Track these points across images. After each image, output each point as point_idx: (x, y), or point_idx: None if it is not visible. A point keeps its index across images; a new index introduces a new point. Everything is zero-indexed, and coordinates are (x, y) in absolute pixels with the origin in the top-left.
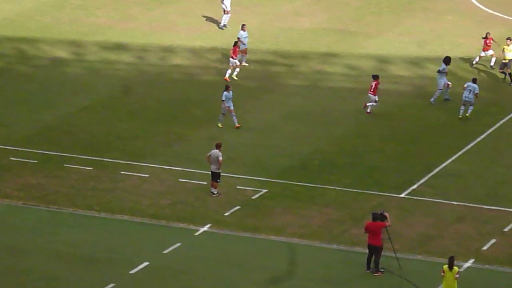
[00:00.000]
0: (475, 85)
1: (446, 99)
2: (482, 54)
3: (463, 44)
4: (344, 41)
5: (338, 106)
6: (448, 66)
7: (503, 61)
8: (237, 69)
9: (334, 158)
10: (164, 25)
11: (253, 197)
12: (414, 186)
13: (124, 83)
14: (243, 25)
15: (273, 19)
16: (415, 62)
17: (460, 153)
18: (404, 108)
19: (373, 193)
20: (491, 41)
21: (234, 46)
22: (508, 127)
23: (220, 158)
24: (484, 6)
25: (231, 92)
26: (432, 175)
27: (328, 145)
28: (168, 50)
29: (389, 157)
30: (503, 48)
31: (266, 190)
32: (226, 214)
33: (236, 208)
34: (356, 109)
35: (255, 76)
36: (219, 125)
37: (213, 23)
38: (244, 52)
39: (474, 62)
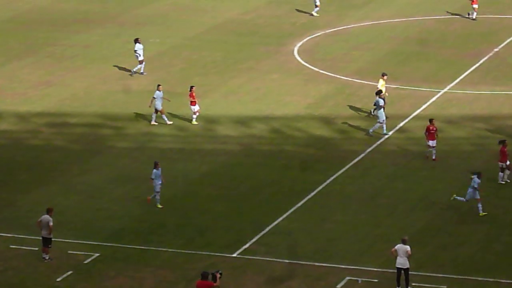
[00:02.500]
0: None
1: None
2: None
3: (290, 102)
4: (171, 102)
5: (167, 167)
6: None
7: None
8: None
9: (165, 219)
10: None
11: (85, 262)
12: (246, 245)
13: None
14: (159, 85)
15: (99, 82)
16: (243, 121)
17: (290, 211)
18: (233, 168)
19: (205, 254)
20: None
21: (190, 91)
22: (337, 183)
23: (51, 224)
24: (310, 64)
25: (159, 169)
26: (264, 234)
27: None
28: None
29: (220, 216)
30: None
31: (98, 254)
32: (58, 279)
33: (69, 273)
34: (185, 168)
35: (83, 139)
36: (158, 205)
37: (39, 87)
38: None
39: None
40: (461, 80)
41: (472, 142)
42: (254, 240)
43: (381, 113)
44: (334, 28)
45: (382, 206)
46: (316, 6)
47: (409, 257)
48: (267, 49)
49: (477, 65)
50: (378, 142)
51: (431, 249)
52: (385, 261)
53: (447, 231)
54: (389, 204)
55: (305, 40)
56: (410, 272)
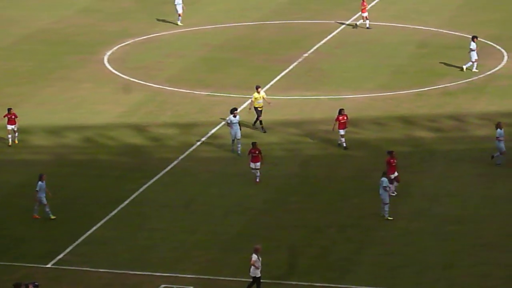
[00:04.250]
0: None
1: None
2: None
3: (102, 111)
4: None
5: None
6: None
7: (259, 108)
8: None
9: None
10: None
11: None
12: (61, 256)
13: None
14: None
15: None
16: (55, 131)
17: (104, 219)
18: (47, 178)
19: (19, 265)
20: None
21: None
22: (151, 191)
23: None
24: (121, 73)
25: (44, 181)
26: (78, 243)
27: None
28: None
29: (34, 227)
30: (255, 97)
31: None
32: None
33: None
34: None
35: None
36: (52, 216)
37: None
38: None
39: None
40: (272, 85)
41: (284, 147)
42: (68, 250)
43: (232, 132)
44: (145, 36)
45: (197, 213)
46: (179, 15)
47: (251, 266)
48: (78, 58)
49: (287, 70)
50: (191, 149)
51: (247, 254)
52: (201, 268)
53: (262, 236)
54: (204, 211)
55: (115, 48)
56: (230, 279)
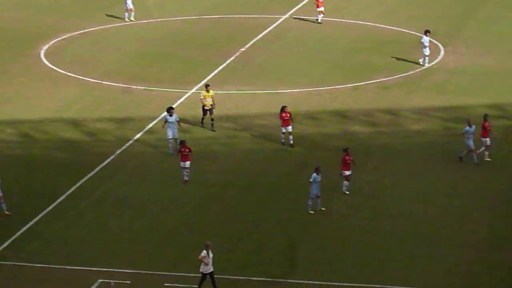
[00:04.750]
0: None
1: None
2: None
3: (37, 106)
4: None
5: None
6: None
7: (206, 107)
8: None
9: None
10: None
11: None
12: None
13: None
14: None
15: None
16: None
17: (41, 215)
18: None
19: None
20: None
21: None
22: (87, 186)
23: None
24: (57, 67)
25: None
26: (14, 239)
27: None
28: None
29: None
30: (204, 96)
31: None
32: None
33: None
34: None
35: None
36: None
37: None
38: None
39: None
40: (208, 80)
41: (221, 142)
42: (4, 245)
43: (168, 131)
44: (82, 30)
45: (133, 208)
46: (131, 10)
47: (200, 261)
48: (14, 52)
49: (224, 65)
50: (127, 144)
51: (183, 248)
52: (137, 262)
53: (199, 230)
54: (140, 205)
55: (52, 42)
56: (167, 273)
